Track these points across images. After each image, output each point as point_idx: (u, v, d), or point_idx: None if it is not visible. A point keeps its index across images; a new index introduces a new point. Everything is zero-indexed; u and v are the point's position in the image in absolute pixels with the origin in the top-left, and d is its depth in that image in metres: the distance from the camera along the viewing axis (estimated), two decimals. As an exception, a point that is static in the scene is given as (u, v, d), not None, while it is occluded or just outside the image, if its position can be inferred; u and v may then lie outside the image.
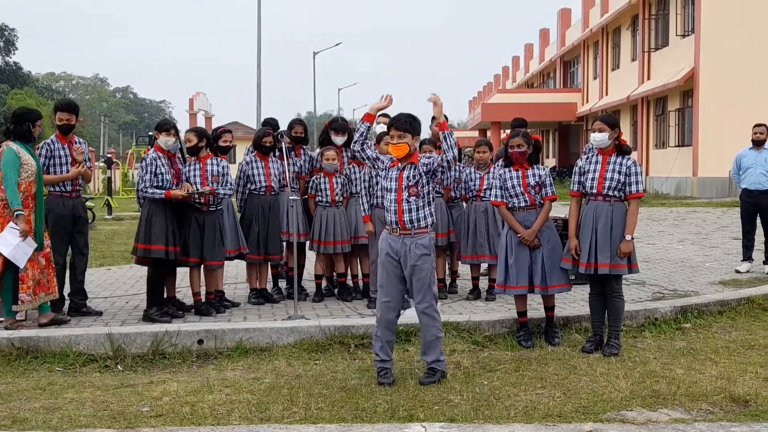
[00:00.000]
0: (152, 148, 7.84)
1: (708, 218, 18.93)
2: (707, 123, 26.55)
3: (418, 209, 5.95)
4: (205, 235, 7.84)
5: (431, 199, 6.05)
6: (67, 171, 7.73)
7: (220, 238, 7.96)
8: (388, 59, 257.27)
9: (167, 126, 7.82)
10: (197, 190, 7.68)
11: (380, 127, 9.10)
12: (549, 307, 7.17)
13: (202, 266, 8.00)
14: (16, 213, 7.04)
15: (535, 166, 7.08)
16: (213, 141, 8.26)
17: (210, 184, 7.81)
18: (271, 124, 9.62)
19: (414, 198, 5.95)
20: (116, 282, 10.11)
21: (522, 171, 7.05)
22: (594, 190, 6.72)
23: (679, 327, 7.67)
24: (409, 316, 7.51)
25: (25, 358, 6.64)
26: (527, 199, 6.98)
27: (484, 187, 8.50)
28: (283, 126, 9.24)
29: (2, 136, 7.52)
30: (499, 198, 7.11)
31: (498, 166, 8.72)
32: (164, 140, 7.70)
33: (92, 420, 5.13)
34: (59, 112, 7.79)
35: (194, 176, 7.86)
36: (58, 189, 7.75)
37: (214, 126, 8.86)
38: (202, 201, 7.83)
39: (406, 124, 5.97)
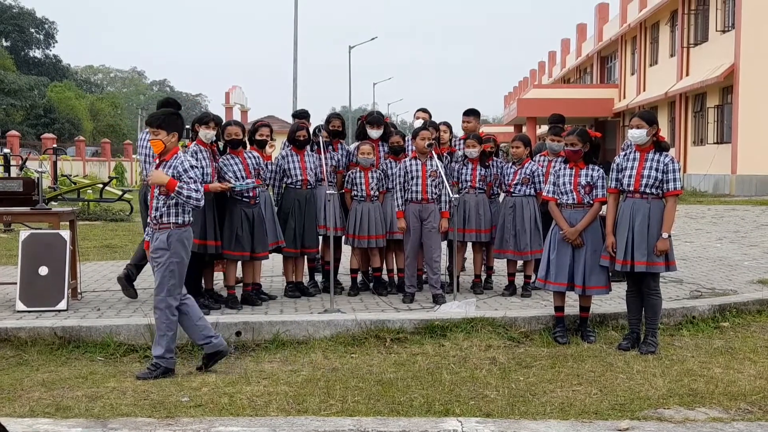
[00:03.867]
0: (194, 142, 7.92)
1: (747, 216, 18.69)
2: (747, 120, 26.21)
3: (163, 206, 6.03)
4: (255, 228, 7.91)
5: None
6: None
7: (265, 230, 8.04)
8: (421, 56, 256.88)
9: (207, 119, 7.89)
10: (242, 184, 7.72)
11: (418, 122, 9.13)
12: (584, 308, 7.16)
13: (240, 260, 8.06)
14: None
15: (590, 166, 7.04)
16: (250, 134, 8.36)
17: (253, 177, 7.90)
18: (302, 116, 9.65)
19: (164, 197, 6.03)
20: (155, 273, 10.22)
21: (576, 169, 7.03)
22: (631, 188, 6.69)
23: (717, 326, 7.60)
24: (445, 311, 7.55)
25: (68, 347, 6.78)
26: (575, 197, 6.96)
27: (515, 181, 8.49)
28: (321, 120, 9.29)
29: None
30: (551, 194, 7.11)
31: (536, 161, 8.77)
32: (204, 133, 7.77)
33: (133, 409, 5.23)
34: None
35: (238, 170, 7.91)
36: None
37: (249, 120, 8.88)
38: (251, 194, 7.89)
39: (158, 120, 6.09)
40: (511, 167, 8.63)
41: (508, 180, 8.57)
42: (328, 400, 5.40)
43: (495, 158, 8.91)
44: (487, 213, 8.71)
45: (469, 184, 8.68)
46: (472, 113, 9.40)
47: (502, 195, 8.75)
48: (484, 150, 8.75)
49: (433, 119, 9.40)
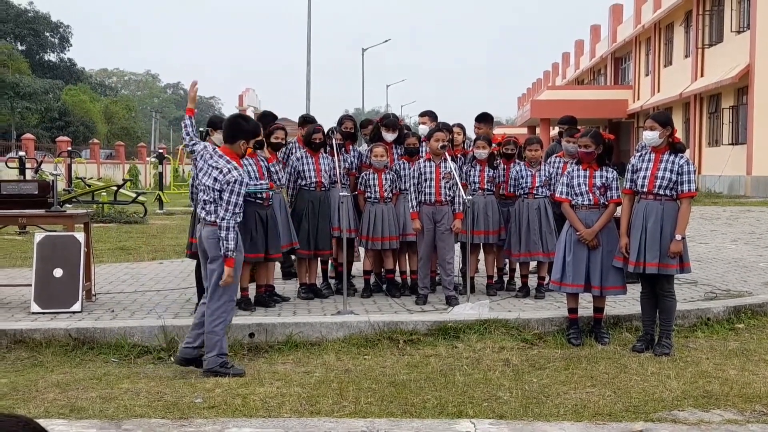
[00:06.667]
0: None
1: (762, 218, 18.57)
2: (762, 120, 26.05)
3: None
4: (269, 229, 7.92)
5: None
6: None
7: (278, 232, 8.05)
8: (434, 58, 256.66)
9: (221, 123, 7.91)
10: (256, 186, 7.73)
11: (422, 127, 9.16)
12: (598, 309, 7.13)
13: (255, 261, 8.07)
14: None
15: (604, 168, 7.04)
16: (265, 137, 8.36)
17: (266, 179, 7.92)
18: (310, 121, 9.56)
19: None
20: (168, 275, 10.28)
21: (590, 171, 7.01)
22: (645, 189, 6.66)
23: (732, 327, 7.56)
24: (458, 313, 7.54)
25: (82, 348, 6.80)
26: (591, 198, 6.94)
27: (537, 184, 8.46)
28: (333, 122, 9.29)
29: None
30: (564, 195, 7.09)
31: (550, 162, 8.75)
32: (218, 137, 7.78)
33: (147, 410, 5.24)
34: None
35: (253, 171, 7.90)
36: None
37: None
38: (264, 196, 7.90)
39: None
40: (527, 170, 8.59)
41: (526, 183, 8.52)
42: (341, 401, 5.40)
43: (517, 160, 8.84)
44: (496, 214, 8.68)
45: (477, 185, 8.66)
46: (483, 119, 9.36)
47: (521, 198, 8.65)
48: (493, 152, 8.73)
49: (441, 121, 9.37)
